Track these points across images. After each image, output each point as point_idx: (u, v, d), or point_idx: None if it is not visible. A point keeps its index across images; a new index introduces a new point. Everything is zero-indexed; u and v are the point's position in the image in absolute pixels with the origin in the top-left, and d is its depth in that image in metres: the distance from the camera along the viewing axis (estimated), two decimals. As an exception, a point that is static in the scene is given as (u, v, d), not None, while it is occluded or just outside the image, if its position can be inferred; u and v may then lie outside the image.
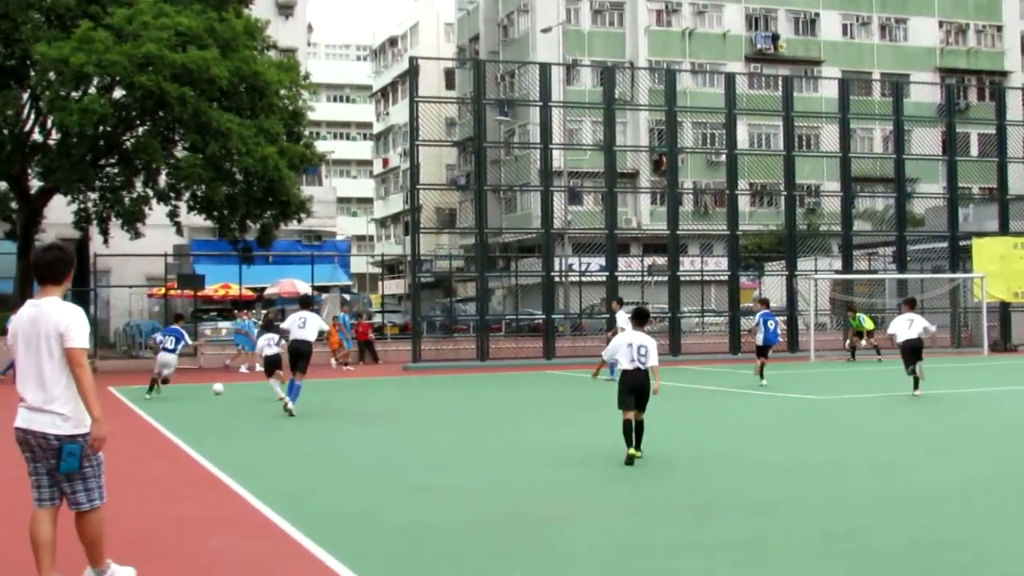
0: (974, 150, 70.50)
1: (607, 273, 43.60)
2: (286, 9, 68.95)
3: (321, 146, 48.64)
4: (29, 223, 41.90)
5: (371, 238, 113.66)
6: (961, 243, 47.08)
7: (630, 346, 15.13)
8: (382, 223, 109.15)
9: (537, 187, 45.69)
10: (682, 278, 45.46)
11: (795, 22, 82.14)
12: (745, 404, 24.99)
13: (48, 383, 7.94)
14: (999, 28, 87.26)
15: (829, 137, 62.72)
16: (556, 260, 46.35)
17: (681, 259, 46.90)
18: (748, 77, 71.77)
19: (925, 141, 60.17)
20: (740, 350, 43.52)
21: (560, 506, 12.06)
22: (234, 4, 41.83)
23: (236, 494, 13.11)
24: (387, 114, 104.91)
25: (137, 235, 40.97)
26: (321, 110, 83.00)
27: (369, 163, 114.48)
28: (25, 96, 41.19)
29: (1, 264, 46.00)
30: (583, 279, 52.03)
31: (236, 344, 40.43)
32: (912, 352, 25.73)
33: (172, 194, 41.34)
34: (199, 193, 40.67)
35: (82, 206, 41.68)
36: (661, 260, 49.43)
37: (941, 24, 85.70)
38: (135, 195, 41.12)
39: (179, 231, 44.07)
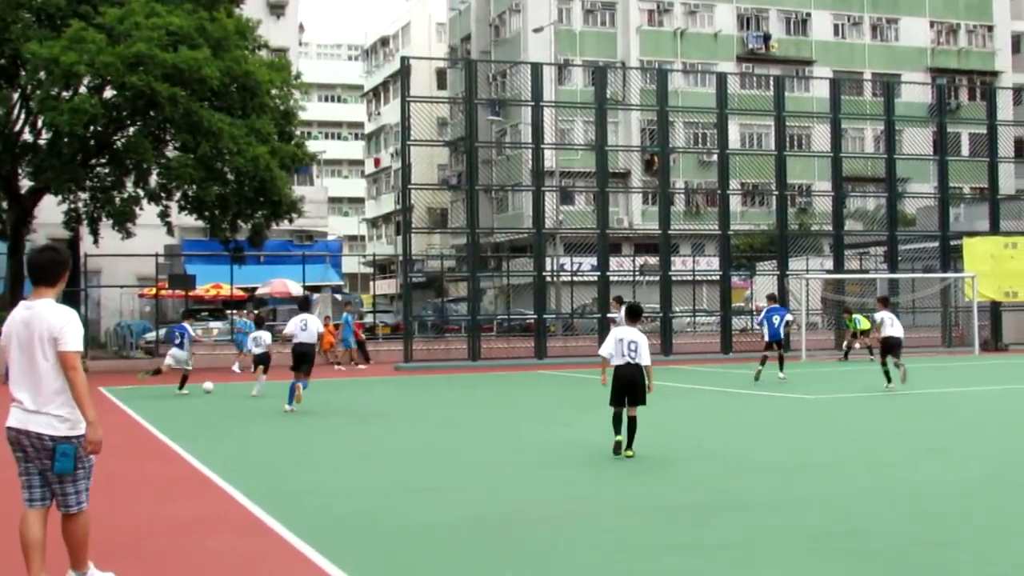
0: (965, 150, 70.57)
1: (599, 273, 43.60)
2: (277, 9, 68.86)
3: (312, 146, 48.61)
4: (19, 223, 41.81)
5: (362, 238, 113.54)
6: (952, 243, 47.12)
7: (620, 341, 15.37)
8: (373, 223, 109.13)
9: (529, 187, 45.68)
10: (673, 278, 45.49)
11: (786, 22, 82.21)
12: (739, 404, 25.01)
13: (42, 385, 7.91)
14: (990, 28, 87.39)
15: (820, 137, 62.72)
16: (548, 260, 46.34)
17: (673, 259, 46.90)
18: (739, 77, 71.91)
19: (916, 141, 60.20)
20: (732, 350, 43.55)
21: (559, 506, 12.05)
22: (225, 4, 41.75)
23: (227, 494, 13.07)
24: (378, 114, 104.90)
25: (128, 235, 40.88)
26: (312, 110, 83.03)
27: (360, 163, 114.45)
28: (15, 96, 41.09)
29: (-9, 265, 45.90)
30: (575, 279, 51.98)
31: (237, 344, 40.40)
32: (891, 348, 27.22)
33: (163, 194, 41.23)
34: (190, 193, 40.56)
35: (72, 206, 41.57)
36: (653, 260, 49.42)
37: (932, 24, 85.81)
38: (126, 195, 41.02)
39: (170, 231, 44.01)
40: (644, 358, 15.35)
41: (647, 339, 15.80)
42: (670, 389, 26.43)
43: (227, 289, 49.64)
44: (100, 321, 52.39)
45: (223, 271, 48.85)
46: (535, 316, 43.03)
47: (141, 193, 41.31)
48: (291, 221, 44.48)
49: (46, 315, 7.96)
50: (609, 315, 39.37)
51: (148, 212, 42.03)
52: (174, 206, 41.94)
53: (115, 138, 40.61)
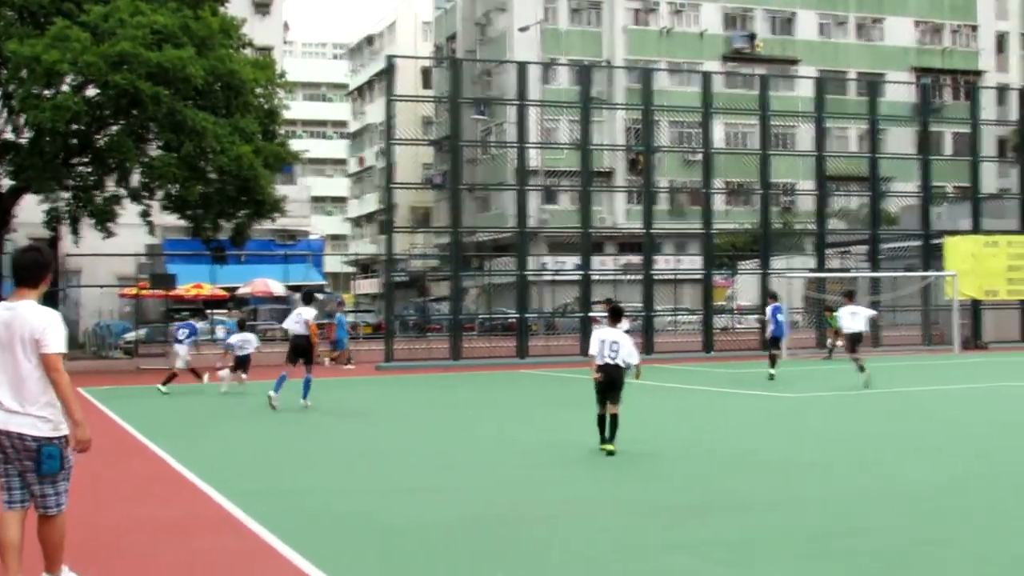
0: (948, 149, 70.83)
1: (581, 272, 43.60)
2: (262, 7, 68.79)
3: (296, 145, 48.47)
4: (0, 222, 41.70)
5: (345, 237, 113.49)
6: (934, 241, 47.21)
7: (603, 342, 15.78)
8: (356, 222, 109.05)
9: (513, 186, 45.69)
10: (656, 277, 45.48)
11: (772, 21, 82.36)
12: (724, 402, 25.09)
13: (25, 386, 7.89)
14: (974, 28, 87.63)
15: (805, 136, 62.95)
16: (530, 259, 46.34)
17: (655, 258, 46.91)
18: (725, 76, 72.04)
19: (900, 140, 60.41)
20: (713, 349, 43.60)
21: (553, 506, 12.08)
22: (210, 2, 41.63)
23: (207, 495, 13.06)
24: (363, 113, 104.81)
25: (109, 235, 40.77)
26: (297, 109, 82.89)
27: (344, 162, 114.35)
28: (-3, 95, 40.97)
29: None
30: (557, 278, 51.99)
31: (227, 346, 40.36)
32: (854, 341, 28.32)
33: (145, 193, 41.12)
34: (173, 192, 40.46)
35: (53, 205, 41.45)
36: (636, 259, 49.45)
37: (917, 24, 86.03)
38: (107, 194, 40.89)
39: (151, 231, 43.90)
40: (631, 358, 15.87)
41: (630, 338, 16.19)
42: (653, 388, 26.44)
43: (208, 289, 49.54)
44: (79, 321, 52.25)
45: (204, 271, 48.79)
46: (517, 315, 43.02)
47: (123, 192, 41.19)
48: (274, 220, 44.43)
49: (28, 317, 7.94)
50: (591, 314, 39.53)
51: (129, 211, 41.92)
52: (156, 205, 41.84)
53: (97, 137, 40.48)
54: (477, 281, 60.99)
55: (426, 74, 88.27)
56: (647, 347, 42.50)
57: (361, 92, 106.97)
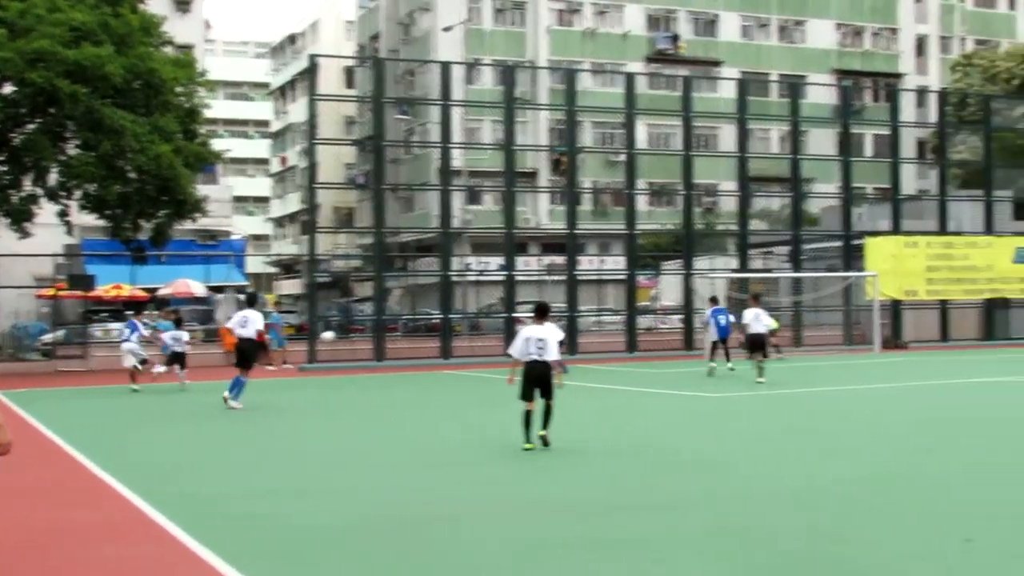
0: (869, 151, 71.62)
1: (505, 273, 43.54)
2: (183, 5, 68.17)
3: (218, 144, 47.99)
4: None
5: (267, 237, 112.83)
6: (854, 242, 47.59)
7: (528, 340, 16.07)
8: (279, 222, 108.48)
9: (436, 186, 45.61)
10: (580, 277, 45.51)
11: (695, 23, 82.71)
12: (644, 402, 25.12)
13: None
14: (894, 31, 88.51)
15: (727, 137, 63.38)
16: (454, 260, 46.23)
17: (579, 258, 46.95)
18: (648, 77, 72.29)
19: (821, 141, 60.96)
20: (637, 349, 43.68)
21: (459, 505, 12.06)
22: (129, -1, 41.18)
23: (127, 500, 12.85)
24: (285, 112, 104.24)
25: (25, 235, 40.15)
26: (218, 108, 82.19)
27: (266, 162, 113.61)
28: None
29: None
30: (481, 279, 51.91)
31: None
32: (755, 344, 29.31)
33: (63, 193, 40.53)
34: (91, 192, 39.91)
35: (-33, 205, 40.77)
36: (559, 259, 49.48)
37: (838, 26, 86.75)
38: (24, 194, 40.25)
39: (69, 231, 43.32)
40: (552, 354, 16.00)
41: (557, 335, 16.34)
42: (576, 388, 26.41)
43: (128, 290, 48.97)
44: (-6, 323, 51.50)
45: (124, 271, 48.21)
46: (441, 316, 42.88)
47: (40, 192, 40.57)
48: (195, 220, 43.98)
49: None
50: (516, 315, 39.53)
51: (47, 211, 41.30)
52: (74, 205, 41.27)
53: (13, 135, 39.85)
54: (401, 282, 60.92)
55: (349, 74, 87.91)
56: (571, 348, 42.50)
57: (283, 91, 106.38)
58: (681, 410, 23.36)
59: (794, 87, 52.53)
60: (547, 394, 16.06)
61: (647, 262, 55.29)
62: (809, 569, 9.18)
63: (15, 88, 37.74)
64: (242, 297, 54.78)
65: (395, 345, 43.59)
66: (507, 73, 45.91)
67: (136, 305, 47.74)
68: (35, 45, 35.83)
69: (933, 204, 50.58)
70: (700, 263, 48.24)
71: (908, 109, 63.66)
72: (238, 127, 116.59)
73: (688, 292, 45.08)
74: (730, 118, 51.62)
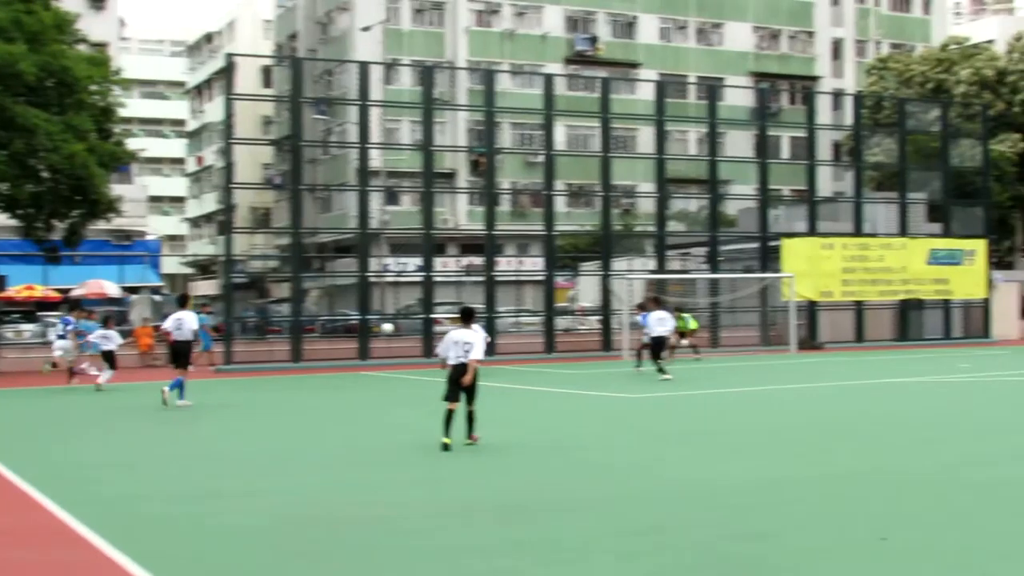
0: (785, 153, 72.18)
1: (424, 274, 43.37)
2: (97, 2, 67.38)
3: (133, 143, 47.42)
4: None
5: (183, 238, 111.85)
6: (771, 243, 47.86)
7: (456, 343, 16.38)
8: (195, 223, 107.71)
9: (354, 187, 45.30)
10: (498, 278, 45.44)
11: (614, 25, 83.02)
12: (560, 403, 25.10)
13: None
14: (811, 34, 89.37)
15: (645, 139, 63.60)
16: (372, 261, 45.97)
17: (497, 259, 46.89)
18: (567, 79, 72.48)
19: (738, 143, 61.35)
20: (555, 349, 43.66)
21: (372, 508, 12.00)
22: (43, -4, 40.55)
23: (39, 504, 12.65)
24: (202, 111, 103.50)
25: (-66, 234, 39.50)
26: (133, 106, 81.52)
27: (182, 161, 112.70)
28: None
29: None
30: (399, 280, 51.69)
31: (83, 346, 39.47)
32: (659, 346, 30.72)
33: (-27, 193, 39.86)
34: (3, 191, 39.26)
35: None
36: (478, 260, 49.39)
37: (755, 29, 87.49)
38: (-67, 193, 39.56)
39: (-20, 231, 42.67)
40: (475, 355, 16.30)
41: (482, 337, 16.72)
42: (493, 389, 26.35)
43: (40, 290, 48.29)
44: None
45: (37, 272, 47.53)
46: (359, 317, 42.64)
47: (-51, 191, 39.88)
48: (109, 220, 43.41)
49: None
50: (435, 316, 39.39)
51: (-42, 211, 40.65)
52: (-15, 204, 40.61)
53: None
54: (318, 282, 60.53)
55: (267, 73, 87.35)
56: (489, 348, 42.39)
57: (200, 90, 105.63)
58: (598, 411, 23.37)
59: (712, 89, 52.79)
60: (470, 398, 16.36)
61: (565, 263, 55.36)
62: (722, 568, 9.21)
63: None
64: (158, 298, 54.35)
65: (312, 346, 43.29)
66: (426, 73, 45.73)
67: (49, 306, 47.18)
68: (-56, 42, 35.25)
69: (848, 206, 51.00)
70: (618, 264, 48.29)
71: (824, 112, 64.13)
72: (153, 126, 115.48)
73: (606, 293, 45.13)
74: (648, 120, 51.78)
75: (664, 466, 14.90)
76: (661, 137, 47.47)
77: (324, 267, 65.62)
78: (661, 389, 27.72)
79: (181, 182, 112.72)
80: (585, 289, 56.55)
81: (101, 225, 45.75)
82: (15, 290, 48.57)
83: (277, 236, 71.66)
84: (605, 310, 45.30)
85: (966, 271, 50.90)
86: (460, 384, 16.25)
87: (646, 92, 58.89)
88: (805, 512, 11.53)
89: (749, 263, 49.53)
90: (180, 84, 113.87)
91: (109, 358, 29.84)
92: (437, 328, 43.58)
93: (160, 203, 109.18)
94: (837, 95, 76.82)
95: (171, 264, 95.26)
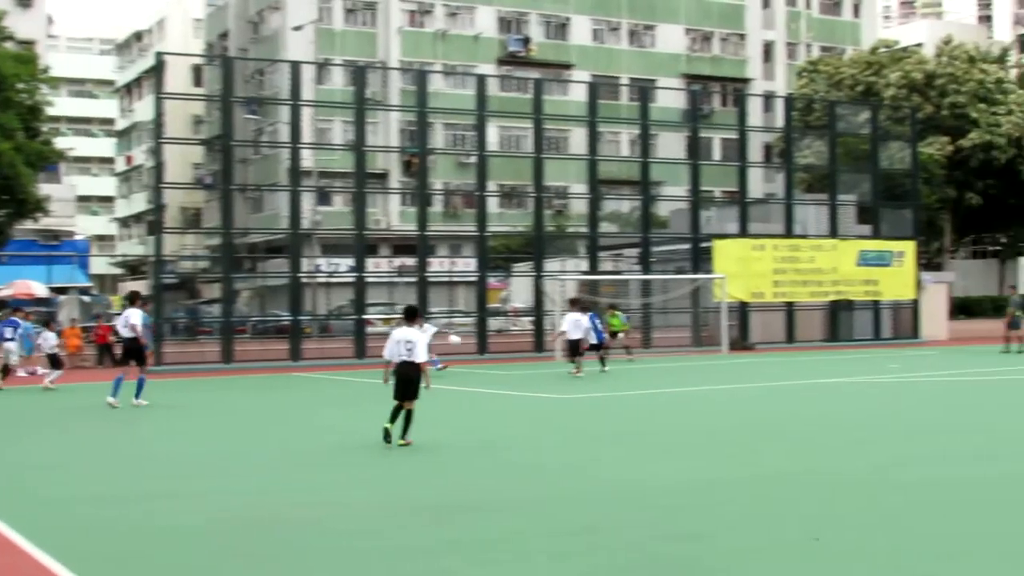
0: (717, 154, 72.50)
1: (356, 274, 43.18)
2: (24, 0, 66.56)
3: (61, 142, 47.00)
4: None
5: (112, 238, 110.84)
6: (703, 245, 48.05)
7: (399, 342, 16.66)
8: (124, 223, 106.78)
9: (286, 187, 45.03)
10: (431, 279, 45.33)
11: (546, 26, 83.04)
12: (493, 403, 25.09)
13: None
14: (742, 37, 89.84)
15: (578, 140, 63.65)
16: (304, 261, 45.70)
17: (430, 260, 46.79)
18: (499, 80, 72.45)
19: (670, 145, 61.44)
20: (487, 350, 43.61)
21: (304, 510, 11.95)
22: (-33, -7, 40.09)
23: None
24: (131, 110, 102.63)
25: None
26: (61, 105, 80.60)
27: (111, 160, 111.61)
28: None
29: None
30: (331, 280, 51.44)
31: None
32: (574, 348, 32.12)
33: None
34: (-74, 190, 38.81)
35: None
36: (410, 261, 49.26)
37: (687, 31, 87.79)
38: None
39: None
40: (419, 356, 16.61)
41: (426, 337, 17.22)
42: (427, 390, 26.27)
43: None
44: None
45: (-39, 272, 46.93)
46: (290, 318, 42.39)
47: None
48: (36, 220, 42.97)
49: None
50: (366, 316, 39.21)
51: None
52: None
53: None
54: (249, 283, 60.12)
55: (197, 72, 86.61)
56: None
57: (129, 89, 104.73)
58: (531, 411, 23.38)
59: (644, 91, 52.94)
60: (409, 395, 16.56)
61: (498, 264, 55.33)
62: (655, 568, 9.24)
63: None
64: (87, 299, 53.79)
65: (243, 347, 42.97)
66: (358, 73, 45.54)
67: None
68: None
69: (779, 207, 51.34)
70: (551, 265, 48.32)
71: (755, 114, 64.64)
72: (82, 125, 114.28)
73: (538, 294, 45.13)
74: (581, 121, 51.88)
75: (597, 466, 14.92)
76: (593, 138, 47.56)
77: (255, 268, 65.23)
78: (594, 390, 27.76)
79: (110, 181, 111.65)
80: (518, 290, 56.51)
81: (28, 225, 45.29)
82: (-62, 290, 47.94)
83: (208, 236, 71.16)
84: (537, 311, 45.30)
85: (895, 272, 51.39)
86: (403, 382, 16.49)
87: (578, 93, 58.98)
88: (738, 513, 11.55)
89: (681, 264, 49.68)
90: (109, 83, 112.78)
91: (54, 359, 30.40)
92: (369, 329, 43.45)
93: (89, 203, 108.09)
94: (768, 97, 77.35)
95: (100, 264, 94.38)
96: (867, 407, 23.40)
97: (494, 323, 49.61)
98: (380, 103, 67.47)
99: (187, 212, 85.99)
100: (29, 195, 39.91)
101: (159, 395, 27.61)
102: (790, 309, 49.58)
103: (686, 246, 48.92)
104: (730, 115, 63.87)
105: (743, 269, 47.38)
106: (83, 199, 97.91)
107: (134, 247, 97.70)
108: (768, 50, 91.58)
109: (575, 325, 32.07)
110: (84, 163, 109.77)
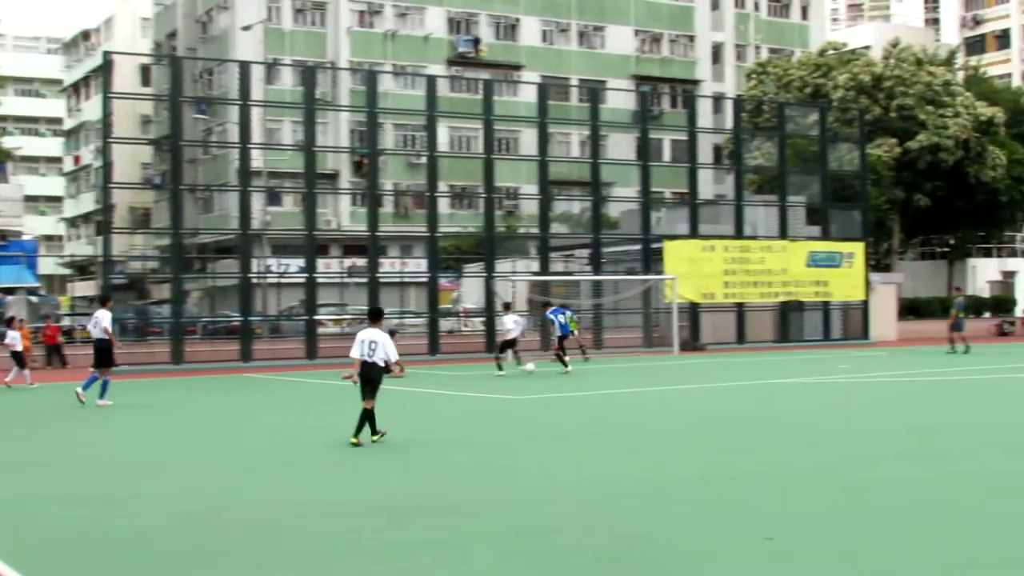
0: (667, 155, 72.65)
1: (306, 275, 43.04)
2: (-30, -2, 65.98)
3: (8, 142, 46.57)
4: None
5: (61, 238, 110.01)
6: (653, 245, 48.20)
7: (363, 342, 16.84)
8: (72, 223, 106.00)
9: (235, 187, 44.83)
10: (382, 280, 45.23)
11: (496, 27, 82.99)
12: (446, 404, 25.04)
13: None
14: (691, 38, 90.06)
15: (528, 141, 63.70)
16: (254, 261, 45.50)
17: (381, 261, 46.69)
18: (449, 80, 72.40)
19: (620, 146, 61.65)
20: (439, 351, 43.57)
21: (259, 511, 11.91)
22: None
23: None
24: (79, 110, 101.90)
25: None
26: (8, 104, 79.93)
27: (59, 160, 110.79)
28: None
29: None
30: (282, 281, 51.24)
31: None
32: (504, 347, 34.05)
33: None
34: None
35: None
36: (361, 262, 49.11)
37: (636, 33, 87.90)
38: None
39: None
40: (389, 355, 16.89)
41: (389, 336, 17.22)
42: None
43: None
44: None
45: (-94, 272, 46.43)
46: (241, 319, 42.21)
47: None
48: (-17, 220, 42.51)
49: None
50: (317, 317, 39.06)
51: None
52: None
53: None
54: (199, 283, 59.75)
55: (146, 71, 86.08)
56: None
57: (77, 88, 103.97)
58: (484, 412, 23.39)
59: (594, 92, 53.03)
60: (371, 394, 16.79)
61: (449, 264, 55.27)
62: (613, 568, 9.23)
63: None
64: (35, 299, 53.35)
65: (194, 348, 42.73)
66: (307, 74, 45.42)
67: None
68: None
69: (729, 209, 51.56)
70: (502, 266, 48.35)
71: (705, 115, 64.81)
72: (29, 124, 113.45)
73: (490, 295, 45.14)
74: (531, 122, 51.93)
75: (554, 467, 14.91)
76: (544, 139, 47.63)
77: (205, 268, 64.83)
78: (548, 391, 27.78)
79: (58, 181, 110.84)
80: (469, 291, 56.48)
81: (-26, 225, 44.81)
82: None
83: (157, 237, 70.69)
84: (489, 312, 45.30)
85: (845, 273, 51.75)
86: (366, 382, 16.71)
87: (528, 94, 58.98)
88: (693, 513, 11.59)
89: (632, 265, 49.82)
90: (57, 82, 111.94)
91: (18, 358, 31.00)
92: (320, 330, 43.32)
93: (36, 202, 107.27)
94: (717, 99, 77.67)
95: (48, 265, 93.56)
96: (818, 408, 23.53)
97: (445, 324, 49.60)
98: (330, 103, 67.29)
99: (136, 212, 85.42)
100: (-24, 195, 39.47)
101: (109, 395, 27.48)
102: (740, 310, 49.83)
103: (637, 247, 49.07)
104: (680, 116, 63.99)
105: (693, 270, 47.57)
106: (31, 199, 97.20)
107: (83, 247, 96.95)
108: (717, 52, 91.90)
109: (515, 325, 34.04)
110: (32, 163, 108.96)
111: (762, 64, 77.15)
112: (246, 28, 67.43)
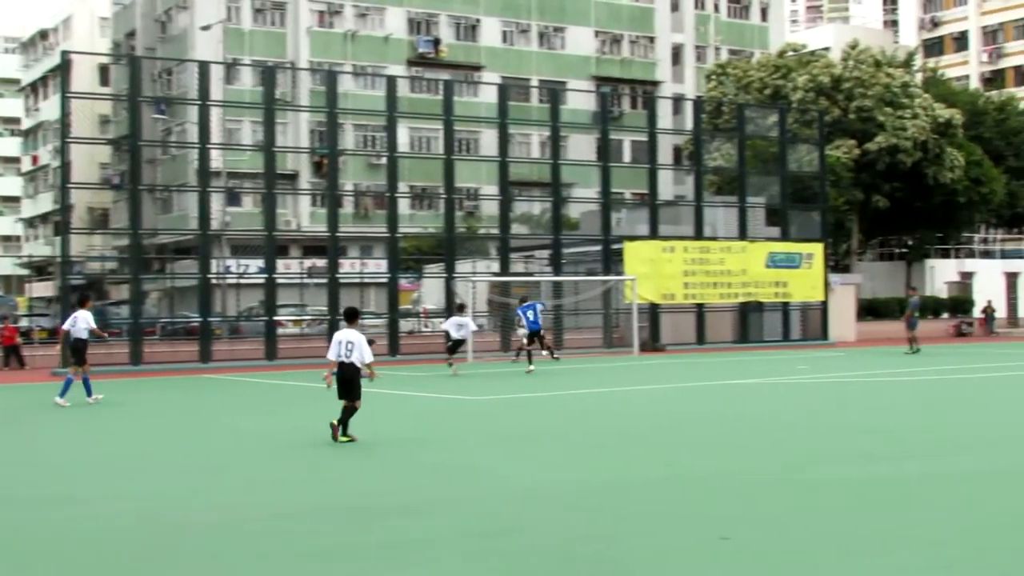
0: (627, 156, 72.82)
1: (266, 276, 42.90)
2: (-74, -3, 65.49)
3: (-36, 142, 46.23)
4: None
5: (18, 238, 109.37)
6: (614, 246, 48.26)
7: (339, 343, 17.26)
8: (30, 223, 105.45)
9: (194, 187, 44.60)
10: (342, 280, 45.09)
11: (456, 27, 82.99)
12: (404, 405, 24.97)
13: None
14: (651, 39, 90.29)
15: (488, 141, 63.70)
16: (213, 262, 45.30)
17: (341, 261, 46.58)
18: (410, 81, 72.32)
19: (581, 147, 61.70)
20: (399, 351, 43.51)
21: (217, 512, 11.87)
22: None
23: None
24: (37, 109, 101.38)
25: None
26: (-35, 104, 79.23)
27: (17, 160, 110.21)
28: None
29: None
30: (241, 281, 51.05)
31: None
32: (452, 348, 34.43)
33: None
34: None
35: None
36: (321, 262, 49.00)
37: (597, 34, 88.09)
38: None
39: None
40: (364, 356, 17.19)
41: (364, 337, 17.48)
42: (334, 391, 26.13)
43: None
44: None
45: None
46: (200, 319, 42.03)
47: None
48: (-61, 220, 42.22)
49: None
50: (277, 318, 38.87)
51: None
52: None
53: None
54: (158, 284, 59.49)
55: (104, 71, 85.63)
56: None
57: (35, 88, 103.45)
58: (445, 413, 23.35)
59: (554, 93, 53.05)
60: (351, 395, 17.14)
61: (409, 265, 55.19)
62: (572, 569, 9.26)
63: None
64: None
65: (152, 349, 42.52)
66: (267, 74, 45.29)
67: None
68: None
69: (689, 210, 51.65)
70: (462, 267, 48.32)
71: (665, 116, 64.90)
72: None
73: (450, 295, 45.09)
74: (491, 122, 51.91)
75: (513, 468, 14.94)
76: (504, 140, 47.62)
77: (164, 268, 64.55)
78: (508, 391, 27.80)
79: (16, 181, 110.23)
80: (429, 291, 56.43)
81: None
82: None
83: (116, 237, 70.35)
84: (449, 312, 45.23)
85: (804, 274, 51.98)
86: (342, 383, 17.07)
87: (489, 95, 58.96)
88: (653, 513, 11.62)
89: (592, 266, 49.88)
90: (14, 81, 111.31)
91: None
92: (280, 331, 43.17)
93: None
94: (677, 100, 77.93)
95: (6, 265, 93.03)
96: (777, 408, 23.63)
97: (405, 324, 49.54)
98: (289, 103, 67.08)
99: (95, 212, 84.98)
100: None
101: (68, 396, 27.35)
102: (700, 310, 49.97)
103: (597, 248, 49.13)
104: (640, 117, 64.05)
105: (653, 271, 47.69)
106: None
107: (40, 248, 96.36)
108: (677, 53, 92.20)
109: (458, 328, 34.56)
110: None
111: (722, 65, 77.38)
112: (205, 28, 67.18)
